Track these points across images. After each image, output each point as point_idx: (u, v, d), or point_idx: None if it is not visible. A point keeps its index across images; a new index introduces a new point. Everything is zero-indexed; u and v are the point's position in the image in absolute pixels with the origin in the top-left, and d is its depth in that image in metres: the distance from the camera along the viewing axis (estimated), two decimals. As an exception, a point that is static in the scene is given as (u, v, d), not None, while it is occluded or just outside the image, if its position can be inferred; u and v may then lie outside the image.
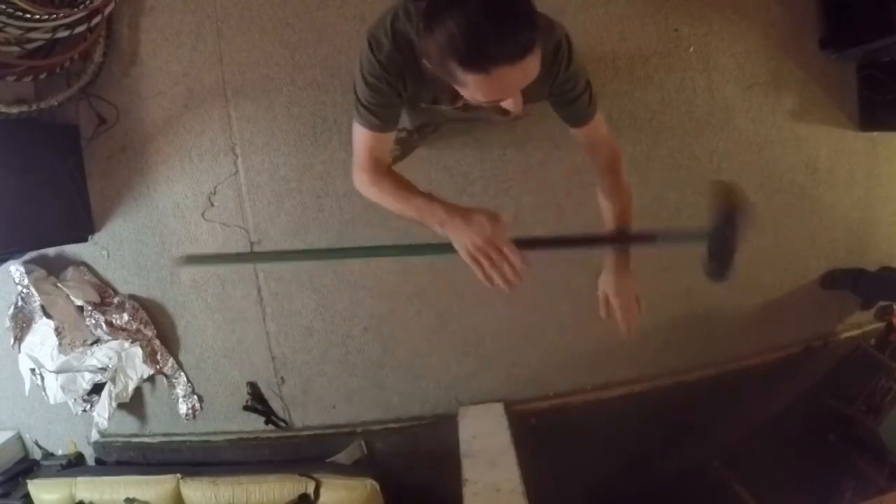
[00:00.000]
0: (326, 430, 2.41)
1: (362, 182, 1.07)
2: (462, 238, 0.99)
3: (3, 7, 1.66)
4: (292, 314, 2.31)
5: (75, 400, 2.36)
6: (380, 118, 1.02)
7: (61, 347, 2.22)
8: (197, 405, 2.44)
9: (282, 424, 2.42)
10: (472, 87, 0.82)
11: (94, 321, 2.26)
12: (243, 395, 2.40)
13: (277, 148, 2.19)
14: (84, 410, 2.39)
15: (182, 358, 2.42)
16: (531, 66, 0.81)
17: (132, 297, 2.36)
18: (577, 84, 1.09)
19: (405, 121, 1.45)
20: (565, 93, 1.08)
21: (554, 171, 2.16)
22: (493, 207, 2.25)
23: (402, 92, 1.01)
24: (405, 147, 1.79)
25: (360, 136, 1.05)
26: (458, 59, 0.78)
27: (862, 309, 2.42)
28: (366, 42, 0.97)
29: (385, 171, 1.07)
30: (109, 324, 2.27)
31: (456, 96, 1.00)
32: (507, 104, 0.91)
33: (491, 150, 2.14)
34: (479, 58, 0.77)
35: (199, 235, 2.28)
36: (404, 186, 1.06)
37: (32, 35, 1.80)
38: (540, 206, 2.19)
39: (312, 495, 2.08)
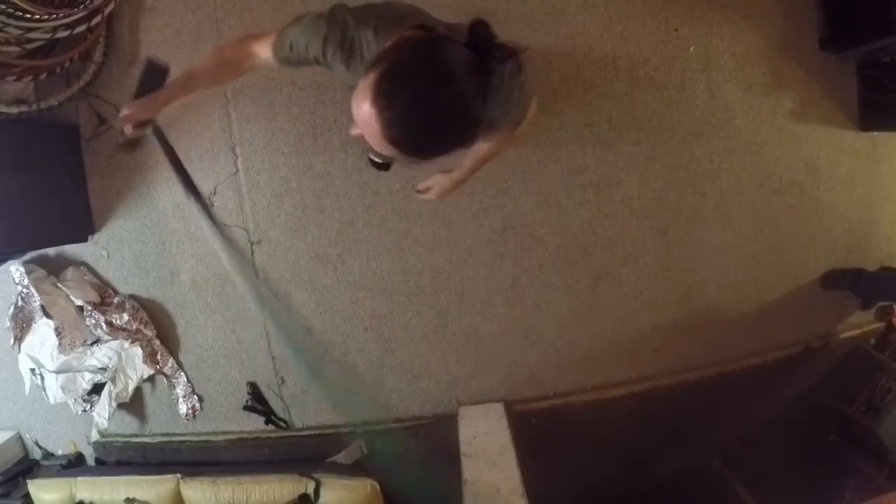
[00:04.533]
0: (326, 430, 2.41)
1: (247, 44, 1.14)
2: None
3: (3, 7, 1.66)
4: (292, 314, 2.31)
5: (75, 400, 2.36)
6: (289, 62, 1.06)
7: (61, 347, 2.22)
8: (197, 405, 2.44)
9: (282, 424, 2.42)
10: (371, 141, 0.81)
11: (94, 321, 2.27)
12: (243, 395, 2.40)
13: (277, 148, 2.19)
14: (84, 410, 2.39)
15: (182, 358, 2.42)
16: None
17: (132, 297, 2.36)
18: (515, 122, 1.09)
19: None
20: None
21: (554, 171, 2.16)
22: (493, 208, 2.26)
23: (319, 64, 1.03)
24: None
25: (266, 45, 1.09)
26: (378, 117, 0.76)
27: (862, 309, 2.41)
28: (326, 20, 0.96)
29: (233, 60, 1.17)
30: (109, 324, 2.27)
31: None
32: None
33: (491, 150, 2.14)
34: (399, 144, 0.78)
35: (199, 235, 2.28)
36: (205, 74, 1.20)
37: (32, 35, 1.80)
38: (540, 205, 2.19)
39: (312, 495, 2.08)
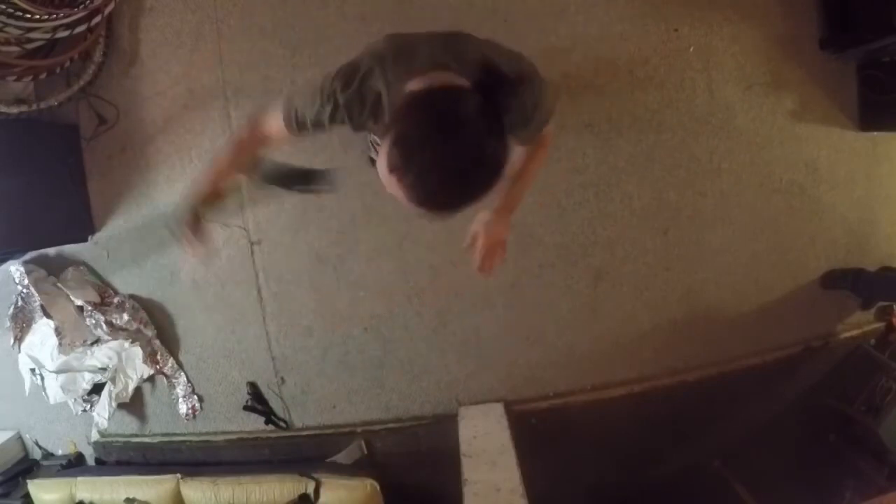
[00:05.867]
0: (326, 430, 2.41)
1: (242, 132, 1.13)
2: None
3: (3, 7, 1.66)
4: (292, 314, 2.31)
5: (75, 400, 2.36)
6: (302, 128, 1.02)
7: (61, 347, 2.22)
8: (197, 405, 2.44)
9: (282, 424, 2.42)
10: (399, 199, 0.81)
11: (94, 321, 2.26)
12: (243, 395, 2.40)
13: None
14: (84, 410, 2.39)
15: (182, 358, 2.42)
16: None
17: (132, 297, 2.36)
18: (541, 124, 1.07)
19: None
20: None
21: (554, 171, 2.16)
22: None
23: (334, 126, 1.00)
24: None
25: (274, 120, 1.05)
26: (399, 184, 0.77)
27: (862, 309, 2.41)
28: (334, 75, 0.96)
29: (251, 146, 1.13)
30: (109, 324, 2.27)
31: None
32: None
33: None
34: (427, 205, 0.78)
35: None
36: (230, 164, 1.15)
37: (32, 35, 1.80)
38: (540, 205, 2.19)
39: (312, 495, 2.09)
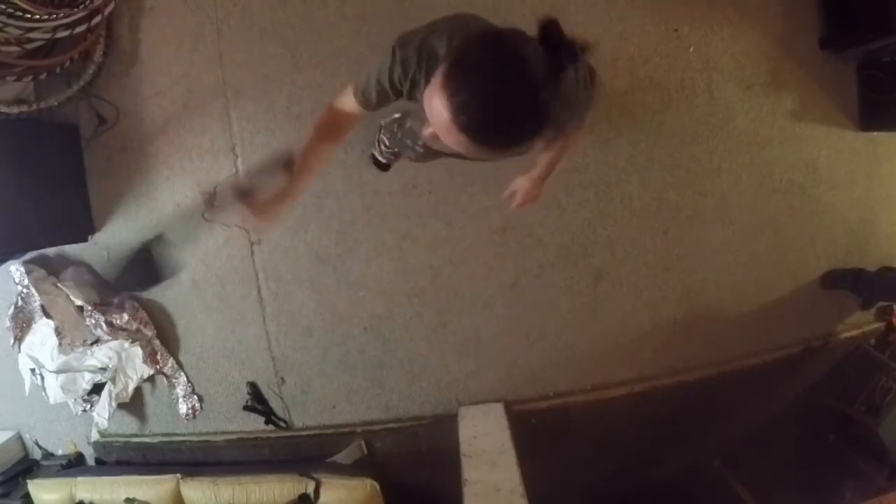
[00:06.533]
0: (326, 430, 2.41)
1: (334, 103, 1.14)
2: None
3: (3, 7, 1.66)
4: (292, 314, 2.31)
5: (75, 400, 2.36)
6: (375, 100, 1.05)
7: (61, 347, 2.22)
8: (197, 405, 2.44)
9: (282, 424, 2.42)
10: (444, 135, 0.81)
11: (94, 321, 2.26)
12: (243, 395, 2.40)
13: (277, 148, 2.19)
14: (84, 410, 2.39)
15: (182, 358, 2.42)
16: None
17: (132, 297, 2.36)
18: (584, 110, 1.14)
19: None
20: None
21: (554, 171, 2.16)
22: (493, 208, 2.26)
23: (401, 92, 1.02)
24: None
25: (347, 95, 1.09)
26: (449, 101, 0.76)
27: (862, 309, 2.42)
28: (396, 47, 0.97)
29: (330, 127, 1.16)
30: (109, 324, 2.27)
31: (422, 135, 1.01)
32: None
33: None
34: (470, 130, 0.77)
35: (199, 235, 2.28)
36: (319, 146, 1.18)
37: (32, 35, 1.80)
38: (540, 205, 2.17)
39: (312, 495, 2.09)
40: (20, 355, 2.30)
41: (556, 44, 0.79)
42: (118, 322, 2.30)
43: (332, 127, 1.17)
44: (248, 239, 2.26)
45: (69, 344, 2.24)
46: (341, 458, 2.35)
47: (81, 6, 1.87)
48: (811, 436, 2.41)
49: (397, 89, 1.00)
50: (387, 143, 1.92)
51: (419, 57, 0.93)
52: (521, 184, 1.57)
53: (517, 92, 0.74)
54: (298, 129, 2.16)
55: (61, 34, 1.87)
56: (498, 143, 0.79)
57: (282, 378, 2.38)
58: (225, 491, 2.14)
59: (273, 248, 2.27)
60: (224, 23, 2.14)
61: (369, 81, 1.01)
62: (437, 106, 0.77)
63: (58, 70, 2.00)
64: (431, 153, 1.41)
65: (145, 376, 2.35)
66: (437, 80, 0.77)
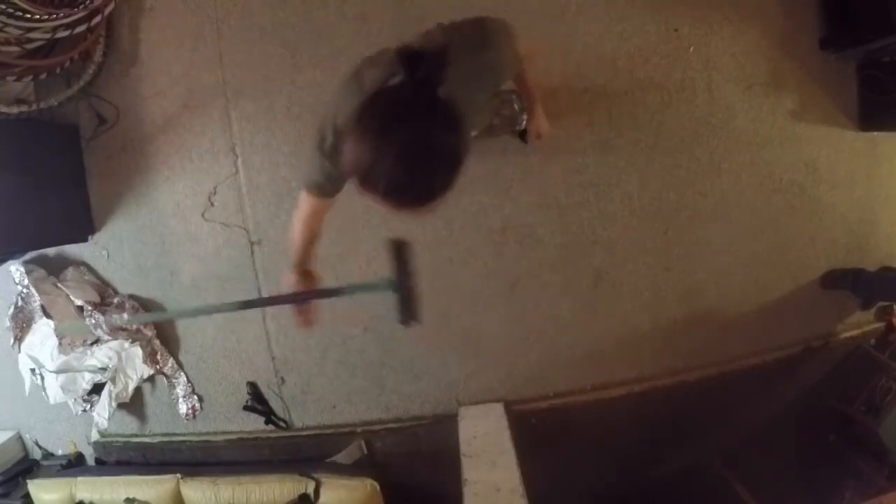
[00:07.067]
0: (326, 430, 2.41)
1: (298, 214, 1.29)
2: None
3: (3, 7, 1.66)
4: (292, 314, 2.31)
5: (75, 400, 2.36)
6: (322, 188, 1.15)
7: (61, 347, 2.22)
8: (197, 405, 2.44)
9: (282, 424, 2.42)
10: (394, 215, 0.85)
11: (94, 321, 2.26)
12: (243, 395, 2.40)
13: (277, 148, 2.19)
14: (84, 410, 2.39)
15: (182, 358, 2.42)
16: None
17: (132, 297, 2.36)
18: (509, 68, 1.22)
19: None
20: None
21: (554, 171, 2.16)
22: (493, 208, 2.26)
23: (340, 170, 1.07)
24: None
25: (302, 198, 1.21)
26: (360, 181, 0.79)
27: (862, 309, 2.41)
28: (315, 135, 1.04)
29: (307, 220, 1.30)
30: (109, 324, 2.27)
31: None
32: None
33: (491, 150, 2.14)
34: (386, 196, 0.78)
35: (200, 235, 2.28)
36: (309, 243, 1.36)
37: (32, 35, 1.80)
38: (540, 206, 2.19)
39: (312, 495, 2.09)
40: (20, 355, 2.30)
41: (413, 67, 0.77)
42: (118, 322, 2.30)
43: (310, 228, 1.31)
44: (248, 239, 2.26)
45: (69, 344, 2.25)
46: (341, 458, 2.35)
47: (81, 6, 1.87)
48: (811, 436, 2.41)
49: (338, 172, 1.05)
50: None
51: (332, 151, 1.02)
52: (535, 126, 1.71)
53: (409, 151, 0.75)
54: (298, 129, 2.16)
55: (61, 34, 1.87)
56: (426, 197, 0.80)
57: (282, 378, 2.38)
58: (225, 491, 2.14)
59: (273, 248, 2.27)
60: (224, 23, 2.14)
61: (311, 176, 1.11)
62: (371, 201, 0.81)
63: (58, 70, 2.00)
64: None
65: (145, 376, 2.35)
66: (354, 183, 0.81)
